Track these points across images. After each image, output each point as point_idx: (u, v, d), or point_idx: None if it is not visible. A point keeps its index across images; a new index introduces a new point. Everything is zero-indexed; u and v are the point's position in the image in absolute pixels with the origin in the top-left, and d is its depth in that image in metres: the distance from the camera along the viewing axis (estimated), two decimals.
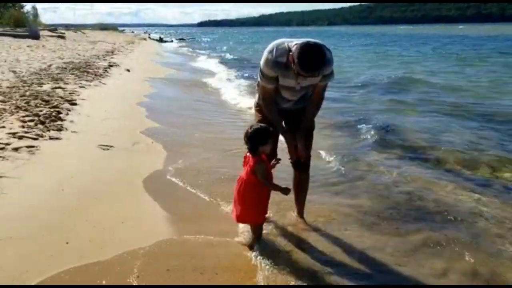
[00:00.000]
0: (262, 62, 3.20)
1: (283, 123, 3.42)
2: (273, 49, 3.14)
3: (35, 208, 3.57)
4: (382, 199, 4.30)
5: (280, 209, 3.80)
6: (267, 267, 2.95)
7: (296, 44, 3.01)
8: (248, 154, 3.12)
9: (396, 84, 13.10)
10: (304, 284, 2.80)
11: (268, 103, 3.37)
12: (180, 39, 61.89)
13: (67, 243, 3.07)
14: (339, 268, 3.02)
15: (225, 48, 37.86)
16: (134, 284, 2.68)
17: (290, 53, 3.01)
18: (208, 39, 63.75)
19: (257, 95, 3.57)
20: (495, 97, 10.88)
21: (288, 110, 3.46)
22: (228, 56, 27.02)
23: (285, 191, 3.09)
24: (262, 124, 3.09)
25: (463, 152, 5.81)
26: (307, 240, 3.41)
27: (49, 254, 2.91)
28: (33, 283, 2.60)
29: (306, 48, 2.90)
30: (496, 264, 3.12)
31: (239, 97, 10.43)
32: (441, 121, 8.01)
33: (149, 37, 55.91)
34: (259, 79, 3.36)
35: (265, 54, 3.17)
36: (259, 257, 3.06)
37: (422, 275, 2.97)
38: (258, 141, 3.01)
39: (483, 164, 5.37)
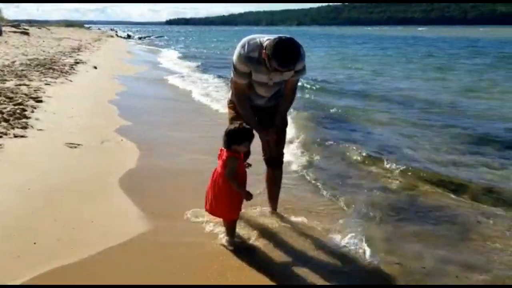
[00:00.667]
0: (234, 57, 3.20)
1: (256, 119, 3.41)
2: (245, 44, 3.14)
3: (1, 206, 3.45)
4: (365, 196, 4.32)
5: (252, 205, 3.73)
6: (243, 266, 2.92)
7: (268, 39, 3.03)
8: (223, 148, 3.10)
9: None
10: (281, 284, 2.77)
11: (241, 99, 3.36)
12: (146, 37, 59.12)
13: (34, 243, 2.97)
14: (315, 265, 2.99)
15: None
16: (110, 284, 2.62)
17: (264, 50, 3.01)
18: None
19: (230, 92, 3.56)
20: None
21: (261, 107, 3.46)
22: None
23: (247, 196, 3.07)
24: (247, 126, 3.05)
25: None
26: (282, 237, 3.38)
27: (16, 255, 2.81)
28: None
29: (280, 44, 2.91)
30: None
31: (210, 96, 10.34)
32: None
33: (116, 35, 54.92)
34: (232, 74, 3.35)
35: (237, 49, 3.17)
36: (234, 257, 3.02)
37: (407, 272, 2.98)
38: (234, 139, 3.00)
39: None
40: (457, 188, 4.57)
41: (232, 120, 3.41)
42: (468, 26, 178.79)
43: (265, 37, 3.10)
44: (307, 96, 10.88)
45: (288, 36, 3.05)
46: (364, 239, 3.33)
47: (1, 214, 3.34)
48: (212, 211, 3.19)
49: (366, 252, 3.18)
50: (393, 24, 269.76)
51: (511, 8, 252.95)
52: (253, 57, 3.10)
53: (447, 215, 3.96)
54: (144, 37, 53.99)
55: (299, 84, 3.60)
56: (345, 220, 3.71)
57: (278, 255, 3.10)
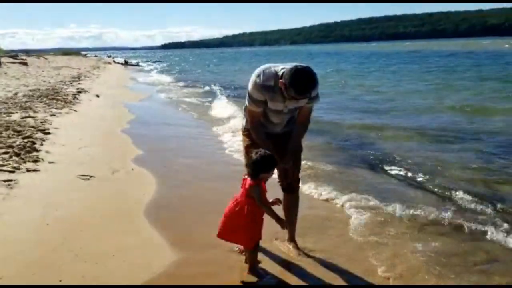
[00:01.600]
0: (250, 86, 3.26)
1: (271, 146, 3.43)
2: (260, 73, 3.21)
3: (20, 244, 3.45)
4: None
5: (270, 233, 3.74)
6: None
7: (283, 68, 3.12)
8: (246, 176, 3.12)
9: None
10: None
11: (256, 127, 3.41)
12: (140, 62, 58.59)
13: (60, 281, 2.96)
14: None
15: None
16: None
17: (280, 80, 3.08)
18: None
19: (244, 120, 3.60)
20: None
21: (276, 134, 3.50)
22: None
23: (281, 222, 3.08)
24: (269, 152, 3.09)
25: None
26: (300, 266, 3.39)
27: None
28: None
29: (298, 73, 2.99)
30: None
31: (224, 119, 10.37)
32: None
33: (114, 61, 55.27)
34: (246, 103, 3.40)
35: (252, 78, 3.24)
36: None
37: None
38: (262, 168, 3.02)
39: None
40: None
41: (248, 148, 3.45)
42: (461, 39, 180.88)
43: (280, 66, 3.19)
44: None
45: (304, 64, 3.11)
46: None
47: (22, 252, 3.33)
48: (234, 240, 3.19)
49: None
50: (386, 40, 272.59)
51: (502, 19, 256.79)
52: (269, 86, 3.17)
53: None
54: (137, 63, 53.85)
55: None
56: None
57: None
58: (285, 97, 3.15)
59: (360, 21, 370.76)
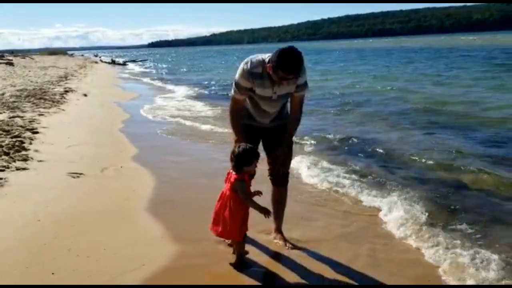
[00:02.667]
0: (237, 74, 3.37)
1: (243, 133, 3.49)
2: (248, 61, 3.34)
3: (13, 240, 3.52)
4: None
5: (257, 223, 3.84)
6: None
7: (269, 56, 3.23)
8: (231, 171, 3.22)
9: None
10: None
11: (235, 113, 3.48)
12: (132, 60, 59.86)
13: (52, 273, 3.04)
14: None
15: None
16: None
17: (268, 64, 3.20)
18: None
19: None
20: None
21: (267, 128, 3.61)
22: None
23: (265, 211, 3.16)
24: (250, 145, 3.20)
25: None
26: (288, 256, 3.50)
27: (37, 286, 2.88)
28: None
29: (284, 52, 3.11)
30: None
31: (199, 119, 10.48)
32: None
33: (101, 60, 54.95)
34: (232, 91, 3.47)
35: (240, 66, 3.36)
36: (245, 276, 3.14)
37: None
38: (244, 161, 3.12)
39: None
40: None
41: (236, 142, 3.55)
42: (448, 34, 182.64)
43: (267, 54, 3.31)
44: None
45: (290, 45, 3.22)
46: None
47: (15, 248, 3.40)
48: (222, 234, 3.28)
49: None
50: (373, 36, 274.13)
51: (487, 14, 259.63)
52: (257, 73, 3.28)
53: None
54: (125, 62, 53.72)
55: None
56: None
57: (284, 275, 3.23)
58: (273, 83, 3.26)
59: (347, 18, 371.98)
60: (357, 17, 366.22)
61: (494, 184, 5.17)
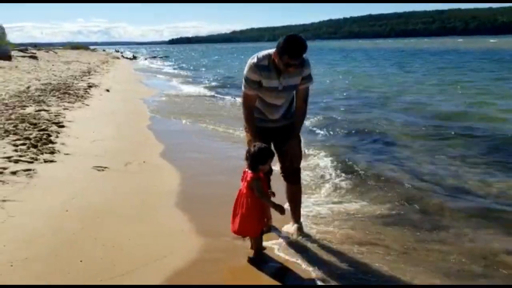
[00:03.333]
0: (246, 69, 3.57)
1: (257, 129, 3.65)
2: (255, 57, 3.56)
3: (43, 229, 3.70)
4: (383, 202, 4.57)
5: (277, 220, 3.96)
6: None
7: (274, 49, 3.43)
8: (247, 169, 3.35)
9: None
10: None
11: (248, 109, 3.66)
12: (153, 57, 60.21)
13: (81, 261, 3.22)
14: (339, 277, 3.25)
15: None
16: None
17: (274, 51, 3.41)
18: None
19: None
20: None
21: (275, 129, 3.76)
22: None
23: (280, 209, 3.29)
24: (265, 145, 3.34)
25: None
26: (308, 250, 3.63)
27: (66, 272, 3.06)
28: None
29: (288, 38, 3.32)
30: None
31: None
32: None
33: (122, 56, 55.68)
34: (242, 88, 3.63)
35: (248, 61, 3.57)
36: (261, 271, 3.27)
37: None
38: (259, 160, 3.26)
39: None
40: None
41: (249, 143, 3.67)
42: (472, 36, 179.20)
43: (273, 50, 3.49)
44: None
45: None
46: None
47: (46, 236, 3.58)
48: (237, 231, 3.40)
49: None
50: (395, 37, 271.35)
51: None
52: (264, 65, 3.49)
53: None
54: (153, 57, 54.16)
55: None
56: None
57: (303, 268, 3.36)
58: (279, 73, 3.45)
59: (370, 17, 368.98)
60: (379, 17, 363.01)
61: None
